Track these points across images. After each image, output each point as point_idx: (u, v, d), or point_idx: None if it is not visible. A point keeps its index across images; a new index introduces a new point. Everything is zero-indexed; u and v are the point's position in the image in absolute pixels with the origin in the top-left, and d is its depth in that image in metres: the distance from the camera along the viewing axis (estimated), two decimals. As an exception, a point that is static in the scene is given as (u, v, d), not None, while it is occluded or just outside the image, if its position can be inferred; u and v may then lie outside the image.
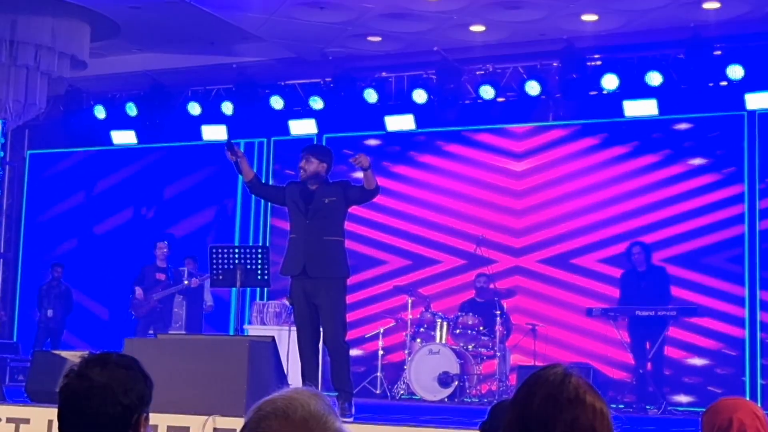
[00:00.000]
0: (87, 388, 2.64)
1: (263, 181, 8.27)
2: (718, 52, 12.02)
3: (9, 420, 7.60)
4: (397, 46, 13.17)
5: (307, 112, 13.61)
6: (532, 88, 12.64)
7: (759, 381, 11.59)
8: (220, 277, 8.94)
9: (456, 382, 10.92)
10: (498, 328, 11.45)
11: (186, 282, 12.76)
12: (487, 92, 12.90)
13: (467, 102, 13.21)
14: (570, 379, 2.15)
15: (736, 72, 11.79)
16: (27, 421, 7.56)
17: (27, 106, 13.22)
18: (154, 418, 6.91)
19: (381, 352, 12.12)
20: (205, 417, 6.92)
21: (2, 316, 14.67)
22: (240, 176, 8.55)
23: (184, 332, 12.41)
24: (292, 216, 7.87)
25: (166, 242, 13.10)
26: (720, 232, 12.15)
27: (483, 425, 3.63)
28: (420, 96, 13.04)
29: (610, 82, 12.31)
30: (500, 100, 13.01)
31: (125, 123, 14.50)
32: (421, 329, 11.68)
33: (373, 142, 13.73)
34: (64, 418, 2.68)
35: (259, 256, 8.84)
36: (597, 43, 12.65)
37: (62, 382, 2.70)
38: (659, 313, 10.86)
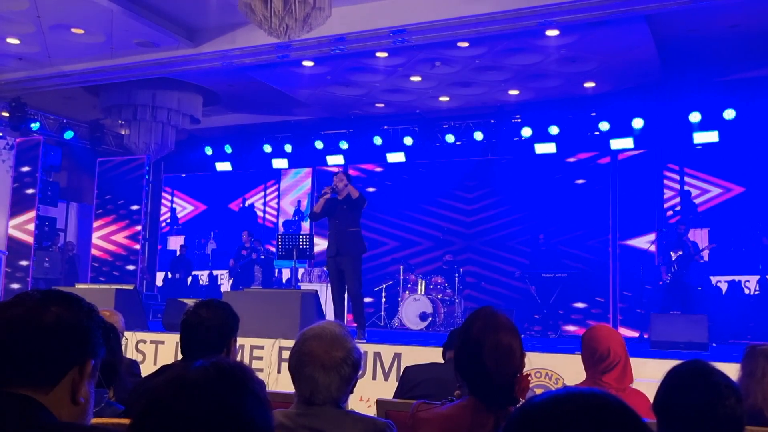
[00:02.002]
0: (197, 321, 2.63)
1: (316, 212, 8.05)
2: (594, 113, 11.98)
3: (151, 342, 7.71)
4: (394, 109, 13.22)
5: (338, 150, 13.66)
6: (478, 135, 12.70)
7: (617, 316, 11.66)
8: (283, 254, 8.84)
9: (430, 318, 10.96)
10: (456, 284, 11.46)
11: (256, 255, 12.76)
12: (449, 138, 12.98)
13: (437, 144, 13.19)
14: (496, 314, 2.13)
15: (604, 126, 11.79)
16: (162, 342, 7.66)
17: (162, 146, 13.57)
18: (241, 341, 7.28)
19: (384, 299, 12.16)
20: (274, 339, 6.95)
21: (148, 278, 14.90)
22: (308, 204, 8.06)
23: (260, 286, 12.55)
24: (329, 219, 7.69)
25: (247, 231, 13.25)
26: (594, 223, 12.05)
27: (444, 344, 3.66)
28: (408, 140, 13.12)
29: (526, 131, 12.28)
30: (458, 143, 12.99)
31: (224, 157, 14.59)
32: (408, 285, 11.67)
33: (378, 169, 13.81)
34: (183, 341, 2.66)
35: (306, 240, 8.86)
36: (518, 108, 12.60)
37: (182, 317, 2.70)
38: (556, 275, 10.81)
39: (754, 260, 11.02)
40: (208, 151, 14.59)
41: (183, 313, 2.68)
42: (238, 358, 7.07)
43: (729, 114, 10.87)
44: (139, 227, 13.81)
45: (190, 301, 8.76)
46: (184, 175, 15.51)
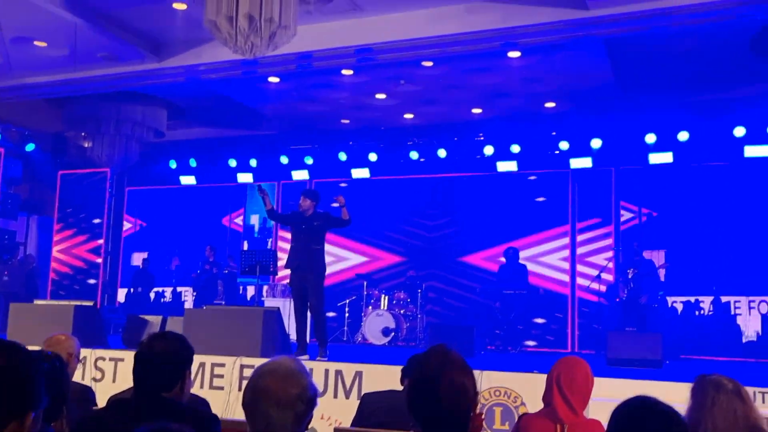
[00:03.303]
0: (151, 354, 2.55)
1: (278, 211, 8.13)
2: (553, 133, 12.07)
3: (111, 359, 7.54)
4: (359, 125, 13.23)
5: (303, 166, 13.57)
6: (442, 152, 12.71)
7: (575, 332, 11.76)
8: (246, 270, 8.73)
9: (393, 333, 10.95)
10: (419, 299, 11.42)
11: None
12: (413, 155, 12.97)
13: (401, 161, 13.15)
14: (449, 353, 2.10)
15: (564, 145, 11.92)
16: (122, 359, 7.47)
17: (126, 160, 13.33)
18: (201, 358, 7.14)
19: (347, 314, 12.07)
20: (235, 357, 6.93)
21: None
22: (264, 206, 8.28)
23: (223, 302, 12.32)
24: (293, 232, 7.75)
25: (210, 246, 12.97)
26: (554, 241, 12.18)
27: (403, 369, 3.55)
28: (373, 157, 13.13)
29: (488, 149, 12.35)
30: (422, 160, 12.99)
31: (188, 170, 14.39)
32: (372, 300, 11.63)
33: (343, 184, 13.63)
34: (136, 374, 2.57)
35: (270, 257, 8.81)
36: (481, 126, 12.65)
37: (137, 349, 2.60)
38: (516, 291, 10.80)
39: (708, 282, 11.23)
40: (173, 164, 14.40)
41: (138, 344, 2.63)
42: (198, 378, 6.96)
43: (683, 136, 11.11)
44: (101, 241, 13.55)
45: (151, 318, 8.70)
46: (147, 188, 15.24)
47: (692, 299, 11.31)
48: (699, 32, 8.88)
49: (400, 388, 3.47)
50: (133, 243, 15.22)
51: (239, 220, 14.61)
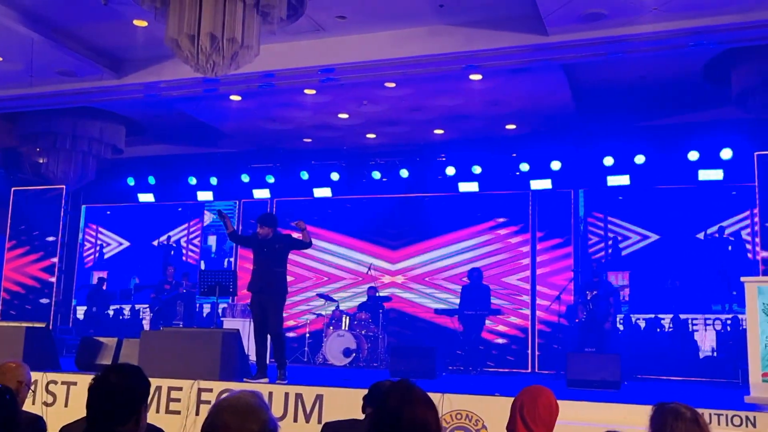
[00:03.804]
0: (106, 389, 2.48)
1: (239, 233, 8.04)
2: (514, 155, 12.24)
3: (63, 383, 7.31)
4: (321, 145, 13.18)
5: (264, 184, 13.48)
6: (403, 172, 12.79)
7: (536, 352, 11.82)
8: (205, 290, 8.59)
9: (354, 354, 10.87)
10: (380, 320, 11.37)
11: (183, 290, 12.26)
12: (376, 175, 13.01)
13: (363, 180, 13.16)
14: (412, 387, 2.09)
15: (524, 167, 12.07)
16: (75, 383, 7.26)
17: (82, 176, 13.05)
18: (158, 382, 6.98)
19: (307, 335, 11.98)
20: (192, 381, 6.80)
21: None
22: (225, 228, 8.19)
23: (181, 322, 12.11)
24: (255, 255, 7.66)
25: (172, 266, 12.80)
26: (515, 262, 12.25)
27: (364, 397, 3.49)
28: (335, 176, 13.11)
29: (450, 170, 12.43)
30: (384, 179, 13.03)
31: (147, 188, 14.17)
32: (333, 320, 11.53)
33: (305, 204, 13.61)
34: (90, 408, 2.48)
35: (230, 277, 8.70)
36: (443, 146, 12.75)
37: (90, 383, 2.51)
38: (479, 312, 10.76)
39: (667, 300, 11.47)
40: (131, 181, 14.17)
41: (92, 378, 2.53)
42: (155, 402, 6.79)
43: (639, 159, 11.36)
44: (54, 259, 13.19)
45: (106, 340, 8.49)
46: (104, 206, 14.95)
47: (653, 316, 11.52)
48: (655, 59, 9.12)
49: (362, 416, 3.43)
50: (90, 261, 14.86)
51: (197, 240, 14.38)
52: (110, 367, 2.57)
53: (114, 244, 14.89)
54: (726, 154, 10.86)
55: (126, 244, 14.80)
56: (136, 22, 8.74)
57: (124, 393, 2.47)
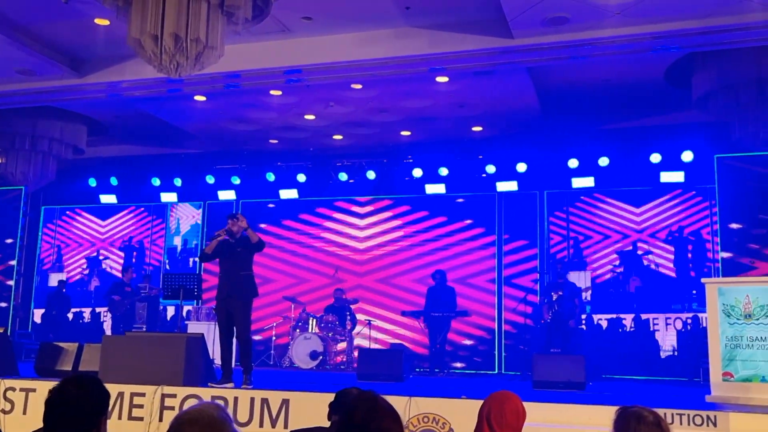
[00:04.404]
0: (64, 401, 2.43)
1: (205, 252, 7.83)
2: (481, 156, 12.32)
3: (21, 389, 7.13)
4: (287, 146, 13.12)
5: (230, 186, 13.39)
6: (370, 174, 12.80)
7: (503, 354, 11.88)
8: (169, 294, 8.44)
9: (321, 357, 10.82)
10: (347, 322, 11.36)
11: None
12: (342, 176, 13.00)
13: (330, 182, 13.16)
14: (377, 399, 2.08)
15: (491, 168, 12.16)
16: (34, 389, 7.08)
17: (42, 177, 12.75)
18: (120, 388, 6.85)
19: (274, 338, 11.93)
20: (156, 386, 6.68)
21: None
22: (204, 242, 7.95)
23: (144, 326, 11.91)
24: (220, 262, 7.45)
25: (132, 268, 12.61)
26: (481, 263, 12.30)
27: (331, 404, 3.44)
28: (301, 178, 13.05)
29: (417, 172, 12.47)
30: (351, 181, 13.02)
31: (109, 189, 13.97)
32: (300, 323, 11.48)
33: (271, 205, 13.57)
34: (47, 422, 2.41)
35: (194, 280, 8.54)
36: (410, 148, 12.78)
37: (47, 396, 2.45)
38: (445, 314, 10.76)
39: (629, 300, 11.65)
40: (92, 182, 13.95)
41: (48, 390, 2.46)
42: (117, 409, 6.66)
43: (603, 161, 11.51)
44: (13, 262, 12.90)
45: (66, 345, 8.30)
46: (64, 207, 14.68)
47: (615, 316, 11.68)
48: (618, 63, 9.25)
49: (327, 423, 3.40)
50: (50, 263, 14.57)
51: (161, 241, 14.18)
52: (68, 379, 2.51)
53: (74, 245, 14.59)
54: (687, 156, 11.07)
55: (86, 242, 14.52)
56: (97, 21, 8.57)
57: (82, 405, 2.41)
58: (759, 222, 8.52)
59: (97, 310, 13.74)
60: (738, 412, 5.59)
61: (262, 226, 13.50)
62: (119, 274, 12.99)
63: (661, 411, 5.44)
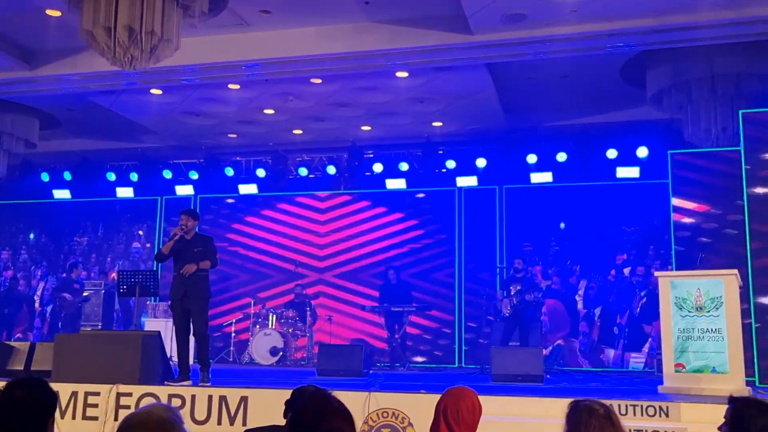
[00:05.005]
0: (9, 403, 2.40)
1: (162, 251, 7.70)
2: (441, 151, 12.40)
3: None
4: (246, 140, 13.02)
5: (188, 181, 13.22)
6: (331, 169, 12.77)
7: (463, 348, 11.96)
8: (124, 290, 8.12)
9: (281, 353, 10.77)
10: (308, 318, 11.32)
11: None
12: (302, 171, 12.94)
13: (290, 177, 13.09)
14: (328, 398, 2.07)
15: (451, 164, 12.23)
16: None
17: (-8, 172, 12.44)
18: (74, 387, 6.70)
19: (233, 334, 11.81)
20: (111, 385, 6.56)
21: None
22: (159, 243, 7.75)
23: (100, 323, 11.68)
24: (175, 260, 7.32)
25: (81, 265, 12.39)
26: (441, 259, 12.31)
27: (286, 402, 3.45)
28: (261, 172, 12.95)
29: (378, 167, 12.48)
30: (311, 176, 12.99)
31: (62, 184, 13.66)
32: (259, 319, 11.36)
33: (230, 200, 13.43)
34: None
35: (151, 277, 8.35)
36: (370, 143, 12.82)
37: None
38: (405, 308, 10.80)
39: (600, 294, 11.78)
40: (45, 177, 13.64)
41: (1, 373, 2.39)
42: (70, 409, 6.54)
43: (561, 157, 11.68)
44: (-39, 259, 12.50)
45: (17, 344, 8.16)
46: (17, 203, 14.29)
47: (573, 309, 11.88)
48: (576, 60, 9.39)
49: (284, 421, 3.39)
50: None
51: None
52: (14, 381, 2.48)
53: (28, 238, 14.25)
54: (642, 152, 11.30)
55: (39, 238, 14.18)
56: (48, 12, 8.37)
57: (29, 408, 2.38)
58: (710, 217, 8.75)
59: (48, 309, 13.40)
60: (689, 402, 5.75)
61: (221, 221, 13.38)
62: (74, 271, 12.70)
63: (615, 402, 5.62)
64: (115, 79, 9.58)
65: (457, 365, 11.90)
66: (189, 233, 7.29)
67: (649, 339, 11.17)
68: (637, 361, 11.21)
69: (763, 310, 7.89)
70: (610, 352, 11.45)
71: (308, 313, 11.42)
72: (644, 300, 11.39)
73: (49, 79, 9.75)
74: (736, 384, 6.29)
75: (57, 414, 6.88)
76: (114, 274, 12.48)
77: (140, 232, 13.80)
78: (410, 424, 5.89)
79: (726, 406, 2.81)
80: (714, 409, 5.37)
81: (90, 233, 14.04)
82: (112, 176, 13.44)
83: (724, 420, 2.80)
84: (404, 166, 12.42)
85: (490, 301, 10.77)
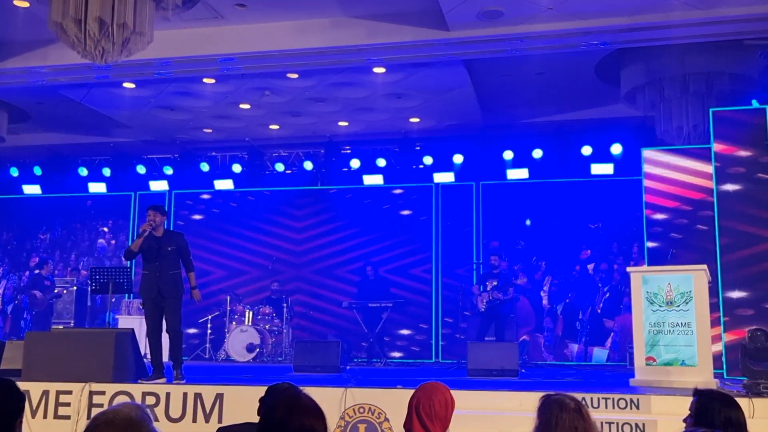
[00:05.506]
0: None
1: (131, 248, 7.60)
2: (418, 147, 12.48)
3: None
4: (222, 135, 12.94)
5: (162, 176, 13.14)
6: (308, 165, 12.78)
7: (440, 343, 12.04)
8: (97, 288, 8.17)
9: (258, 349, 10.75)
10: (285, 314, 11.31)
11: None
12: (279, 167, 12.93)
13: (267, 172, 13.07)
14: (299, 396, 2.06)
15: (428, 160, 12.30)
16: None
17: (-40, 166, 12.26)
18: (45, 386, 6.63)
19: (209, 331, 11.74)
20: (83, 384, 6.51)
21: None
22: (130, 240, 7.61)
23: (72, 321, 11.60)
24: (146, 258, 7.19)
25: (50, 261, 12.28)
26: (418, 256, 12.36)
27: (261, 399, 3.47)
28: (237, 168, 12.93)
29: (355, 163, 12.52)
30: (288, 171, 12.98)
31: (32, 179, 13.51)
32: (236, 316, 11.38)
33: (205, 196, 13.34)
34: None
35: (124, 274, 8.35)
36: (347, 138, 12.80)
37: None
38: (382, 304, 10.79)
39: (561, 288, 11.95)
40: (14, 172, 13.46)
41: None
42: (42, 408, 6.48)
43: (537, 153, 11.79)
44: (-72, 256, 12.29)
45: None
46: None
47: (549, 306, 12.00)
48: (551, 58, 9.47)
49: (257, 419, 3.39)
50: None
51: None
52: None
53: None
54: (616, 149, 11.45)
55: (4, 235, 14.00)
56: (16, 3, 8.25)
57: None
58: (681, 213, 8.90)
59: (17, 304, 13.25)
60: (659, 394, 5.86)
61: (196, 217, 13.30)
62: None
63: (587, 395, 5.70)
64: (87, 72, 9.47)
65: (434, 360, 11.97)
66: (157, 229, 7.18)
67: (611, 333, 11.38)
68: (600, 355, 11.42)
69: (732, 304, 8.07)
70: (574, 347, 11.63)
71: (285, 309, 11.39)
72: (607, 296, 11.60)
73: (18, 72, 9.60)
74: (704, 376, 6.42)
75: (27, 413, 6.83)
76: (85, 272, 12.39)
77: (105, 229, 13.66)
78: (386, 419, 5.93)
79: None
80: (683, 401, 5.41)
81: (57, 230, 13.87)
82: (84, 171, 13.31)
83: (689, 412, 2.87)
84: (381, 162, 12.46)
85: (466, 296, 10.85)
